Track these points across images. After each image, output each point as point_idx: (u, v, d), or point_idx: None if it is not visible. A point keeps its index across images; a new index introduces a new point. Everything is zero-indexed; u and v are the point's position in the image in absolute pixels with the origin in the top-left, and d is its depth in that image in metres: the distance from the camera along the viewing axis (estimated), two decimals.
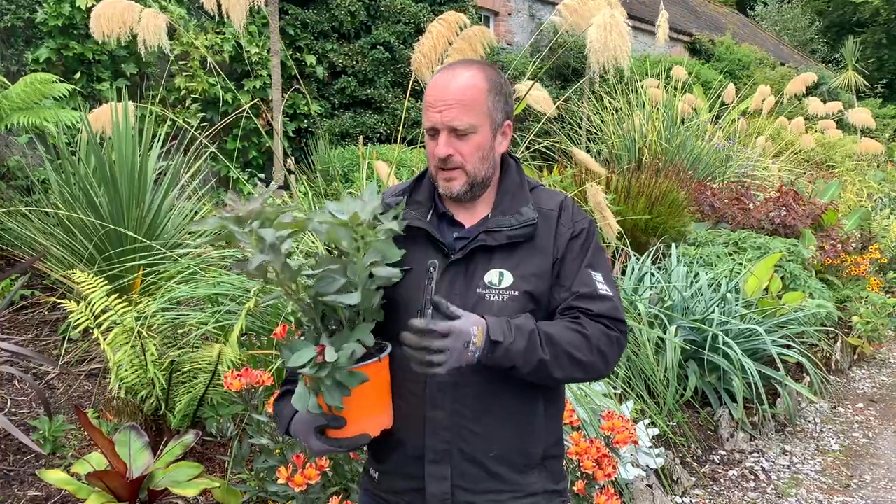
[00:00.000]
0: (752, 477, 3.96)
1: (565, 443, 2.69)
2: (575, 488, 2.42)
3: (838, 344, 5.72)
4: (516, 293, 1.55)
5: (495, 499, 1.58)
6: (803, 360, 4.54)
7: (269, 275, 1.39)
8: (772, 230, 6.68)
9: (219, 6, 3.66)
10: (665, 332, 4.26)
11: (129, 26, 3.54)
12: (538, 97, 3.97)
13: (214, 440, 3.32)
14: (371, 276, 1.44)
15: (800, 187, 9.31)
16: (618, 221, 4.82)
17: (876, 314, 5.94)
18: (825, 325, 5.42)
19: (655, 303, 4.56)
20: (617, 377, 3.79)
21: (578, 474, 2.46)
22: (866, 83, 21.02)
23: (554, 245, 1.59)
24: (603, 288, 1.58)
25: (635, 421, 3.62)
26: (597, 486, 2.49)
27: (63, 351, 4.07)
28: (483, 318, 1.47)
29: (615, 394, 3.66)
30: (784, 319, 4.87)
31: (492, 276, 1.56)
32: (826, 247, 6.65)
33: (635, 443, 2.95)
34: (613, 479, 2.59)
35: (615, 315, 1.57)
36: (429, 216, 1.64)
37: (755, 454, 4.22)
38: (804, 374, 4.89)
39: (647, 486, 3.34)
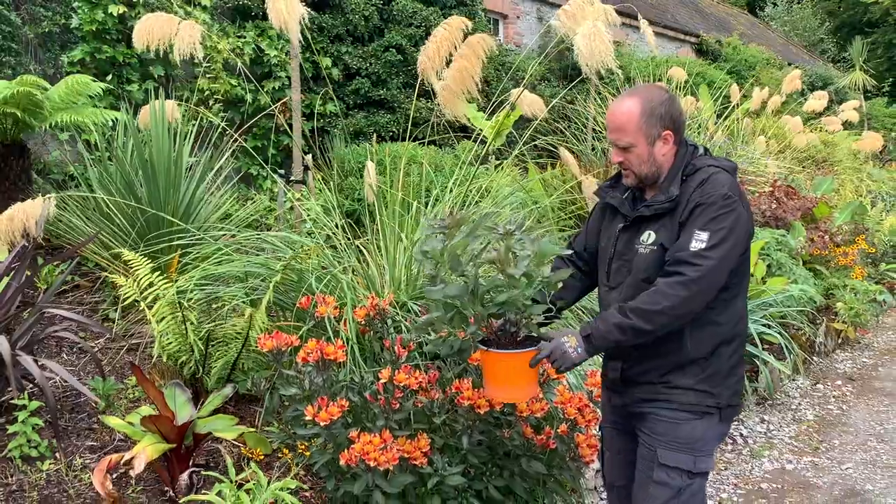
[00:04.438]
0: (731, 441, 4.34)
1: (576, 388, 3.08)
2: (559, 430, 2.82)
3: (822, 328, 6.07)
4: (655, 247, 2.22)
5: (651, 378, 2.29)
6: (780, 338, 4.90)
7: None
8: (763, 222, 7.02)
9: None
10: None
11: (168, 38, 3.97)
12: (530, 101, 4.34)
13: (248, 396, 3.73)
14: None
15: (798, 183, 9.63)
16: None
17: (858, 300, 6.29)
18: (806, 309, 5.77)
19: None
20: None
21: (562, 419, 2.86)
22: (875, 83, 21.20)
23: (682, 212, 2.17)
24: (693, 244, 2.10)
25: None
26: (580, 431, 2.89)
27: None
28: (577, 328, 2.30)
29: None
30: (766, 301, 5.23)
31: (644, 236, 2.26)
32: (815, 238, 6.99)
33: None
34: (595, 429, 2.97)
35: (684, 259, 2.10)
36: (624, 195, 2.37)
37: (735, 422, 4.59)
38: (786, 354, 5.25)
39: None
